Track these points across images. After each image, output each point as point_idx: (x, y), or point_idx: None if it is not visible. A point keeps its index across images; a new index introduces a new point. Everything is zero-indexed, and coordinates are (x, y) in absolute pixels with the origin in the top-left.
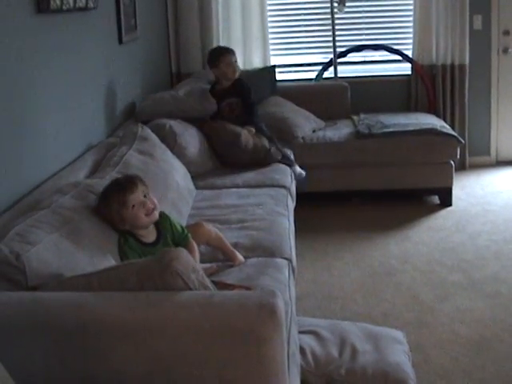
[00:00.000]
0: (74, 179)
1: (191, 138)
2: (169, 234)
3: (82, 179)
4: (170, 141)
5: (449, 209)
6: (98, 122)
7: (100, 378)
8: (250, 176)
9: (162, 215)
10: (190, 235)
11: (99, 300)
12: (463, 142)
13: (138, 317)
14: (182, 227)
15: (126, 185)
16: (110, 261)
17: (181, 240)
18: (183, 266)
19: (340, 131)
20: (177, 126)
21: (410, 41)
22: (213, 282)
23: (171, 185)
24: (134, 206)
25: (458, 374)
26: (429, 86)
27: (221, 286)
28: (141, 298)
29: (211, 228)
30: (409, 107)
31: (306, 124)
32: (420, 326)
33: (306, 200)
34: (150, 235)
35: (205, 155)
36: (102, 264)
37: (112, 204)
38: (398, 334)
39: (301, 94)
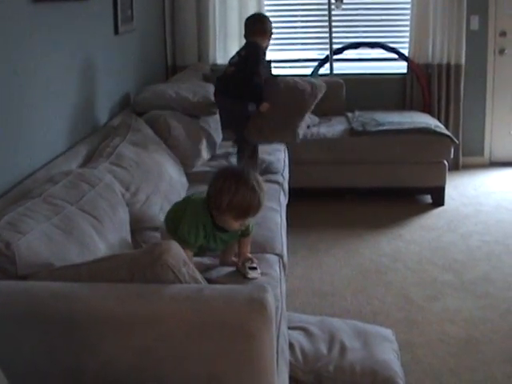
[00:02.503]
0: (66, 169)
1: (185, 131)
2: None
3: (74, 169)
4: (164, 133)
5: (441, 208)
6: (92, 112)
7: (88, 370)
8: None
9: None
10: (252, 231)
11: (89, 291)
12: (457, 141)
13: (127, 309)
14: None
15: (259, 204)
16: (101, 251)
17: (244, 233)
18: (174, 259)
19: (334, 128)
20: (171, 118)
21: (407, 39)
22: (207, 278)
23: (164, 177)
24: (241, 219)
25: (447, 374)
26: (424, 85)
27: (214, 282)
28: (131, 290)
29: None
30: (404, 106)
31: None
32: (409, 324)
33: (298, 196)
34: None
35: (199, 148)
36: (92, 254)
37: (238, 194)
38: (388, 332)
39: None
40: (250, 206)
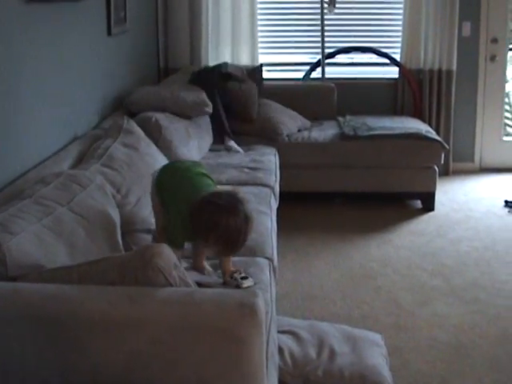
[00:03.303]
0: (57, 170)
1: (177, 132)
2: None
3: (65, 170)
4: (156, 133)
5: (431, 213)
6: (84, 114)
7: (77, 372)
8: (233, 174)
9: None
10: None
11: (79, 293)
12: (447, 147)
13: (117, 311)
14: None
15: (244, 241)
16: (92, 253)
17: None
18: (165, 262)
19: (325, 132)
20: (163, 119)
21: (399, 44)
22: (198, 283)
23: None
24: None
25: (435, 379)
26: (415, 90)
27: (204, 286)
28: (121, 293)
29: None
30: (395, 111)
31: (291, 122)
32: (398, 329)
33: (288, 200)
34: None
35: (190, 149)
36: (83, 256)
37: (218, 226)
38: (377, 337)
39: (287, 93)
40: (235, 245)
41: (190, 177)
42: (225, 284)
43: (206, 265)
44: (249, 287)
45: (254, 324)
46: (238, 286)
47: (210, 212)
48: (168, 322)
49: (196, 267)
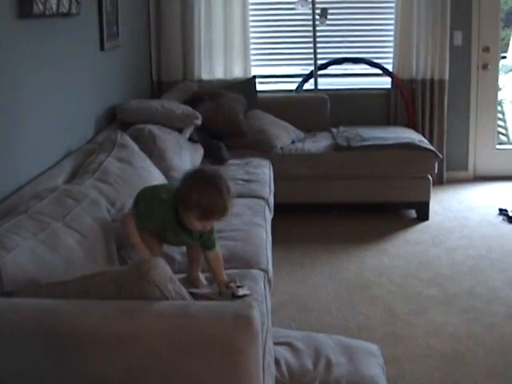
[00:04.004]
0: (52, 185)
1: (170, 143)
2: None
3: (59, 185)
4: (150, 143)
5: (425, 223)
6: (77, 128)
7: None
8: None
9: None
10: (215, 246)
11: (74, 308)
12: (441, 156)
13: (113, 325)
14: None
15: (225, 209)
16: (87, 268)
17: (207, 244)
18: (160, 276)
19: (319, 143)
20: (156, 130)
21: (391, 55)
22: (193, 294)
23: None
24: (205, 220)
25: None
26: (408, 100)
27: (200, 298)
28: (117, 307)
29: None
30: (388, 121)
31: (285, 135)
32: (395, 339)
33: (283, 211)
34: None
35: (184, 160)
36: (78, 271)
37: (206, 194)
38: (373, 347)
39: (281, 105)
40: (216, 207)
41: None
42: (220, 294)
43: (202, 277)
44: (245, 295)
45: (250, 335)
46: (234, 295)
47: (194, 178)
48: (164, 335)
49: (191, 280)
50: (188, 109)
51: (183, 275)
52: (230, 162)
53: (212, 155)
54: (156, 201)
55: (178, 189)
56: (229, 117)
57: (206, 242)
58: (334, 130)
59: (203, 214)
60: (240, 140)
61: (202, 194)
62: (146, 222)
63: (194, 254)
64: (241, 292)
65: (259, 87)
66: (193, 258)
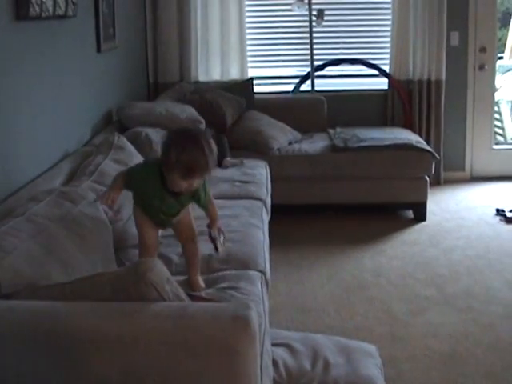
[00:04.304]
0: (49, 187)
1: None
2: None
3: (57, 187)
4: (146, 148)
5: (423, 223)
6: (74, 130)
7: None
8: (225, 187)
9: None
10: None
11: (72, 310)
12: (438, 157)
13: (111, 327)
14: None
15: (206, 166)
16: (85, 270)
17: (201, 203)
18: (157, 277)
19: (316, 144)
20: (153, 133)
21: (387, 56)
22: (190, 295)
23: None
24: (189, 178)
25: None
26: (405, 101)
27: (197, 299)
28: (114, 309)
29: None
30: (385, 122)
31: (282, 136)
32: (393, 339)
33: (280, 212)
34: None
35: None
36: (76, 273)
37: (185, 151)
38: (371, 348)
39: (277, 106)
40: (197, 164)
41: None
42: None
43: (201, 281)
44: (216, 247)
45: (248, 336)
46: (213, 240)
47: (174, 135)
48: (161, 337)
49: (191, 284)
50: (192, 113)
51: (182, 277)
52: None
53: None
54: (141, 165)
55: (160, 150)
56: (211, 108)
57: (199, 201)
58: (331, 131)
59: (185, 170)
60: (237, 140)
61: (182, 151)
62: (132, 180)
63: (190, 256)
64: (219, 246)
65: (256, 89)
66: (190, 260)
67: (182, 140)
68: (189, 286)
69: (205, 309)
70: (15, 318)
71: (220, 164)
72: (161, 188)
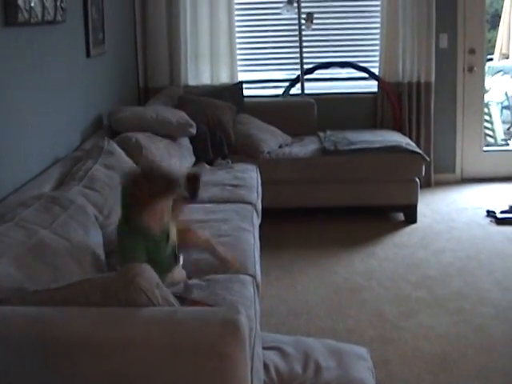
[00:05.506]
0: (38, 192)
1: (158, 152)
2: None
3: (46, 192)
4: (136, 153)
5: (413, 225)
6: (64, 136)
7: None
8: (215, 191)
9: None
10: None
11: (61, 315)
12: (428, 159)
13: (100, 333)
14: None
15: (174, 184)
16: (75, 275)
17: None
18: (147, 282)
19: (306, 147)
20: (144, 139)
21: (377, 58)
22: (180, 298)
23: None
24: (173, 193)
25: None
26: (395, 103)
27: (188, 303)
28: (104, 314)
29: (199, 233)
30: (375, 124)
31: (272, 139)
32: (384, 342)
33: (271, 216)
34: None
35: (174, 167)
36: (65, 278)
37: (151, 174)
38: (362, 351)
39: (267, 110)
40: (167, 172)
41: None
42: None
43: (227, 253)
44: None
45: (238, 341)
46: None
47: (129, 182)
48: (151, 342)
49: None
50: (183, 117)
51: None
52: (217, 166)
53: (214, 150)
54: (127, 243)
55: (125, 205)
56: (222, 126)
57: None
58: (321, 134)
59: (166, 184)
60: (227, 144)
61: (148, 178)
62: (141, 257)
63: (201, 244)
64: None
65: (246, 92)
66: (206, 247)
67: (138, 174)
68: (222, 265)
69: (194, 314)
70: (4, 323)
71: (211, 163)
72: (154, 241)
